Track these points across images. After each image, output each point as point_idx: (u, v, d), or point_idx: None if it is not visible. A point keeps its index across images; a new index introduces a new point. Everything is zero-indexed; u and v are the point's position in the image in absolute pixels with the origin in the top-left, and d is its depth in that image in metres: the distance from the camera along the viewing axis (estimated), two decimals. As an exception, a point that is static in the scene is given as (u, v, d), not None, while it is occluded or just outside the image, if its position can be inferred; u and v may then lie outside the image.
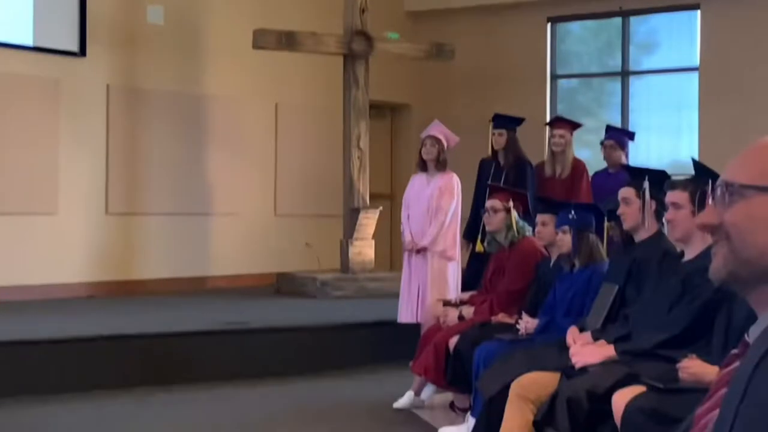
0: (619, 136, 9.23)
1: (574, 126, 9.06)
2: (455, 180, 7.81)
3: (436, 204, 7.73)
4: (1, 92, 9.81)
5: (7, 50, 9.91)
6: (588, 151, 9.52)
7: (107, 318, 8.64)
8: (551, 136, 8.95)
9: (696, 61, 12.25)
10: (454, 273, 7.83)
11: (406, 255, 7.94)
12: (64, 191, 10.35)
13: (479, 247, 7.16)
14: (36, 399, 6.89)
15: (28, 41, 10.12)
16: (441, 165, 7.79)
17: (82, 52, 10.50)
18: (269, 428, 6.38)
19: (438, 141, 7.77)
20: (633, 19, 12.78)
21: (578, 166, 8.81)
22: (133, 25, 10.97)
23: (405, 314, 7.88)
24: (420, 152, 7.91)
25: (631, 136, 9.88)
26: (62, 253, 10.31)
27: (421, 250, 7.77)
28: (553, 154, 8.84)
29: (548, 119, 12.69)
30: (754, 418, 1.74)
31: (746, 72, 11.67)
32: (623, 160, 9.02)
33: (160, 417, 6.61)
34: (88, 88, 10.59)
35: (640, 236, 5.21)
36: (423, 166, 7.90)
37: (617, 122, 12.09)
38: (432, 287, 7.67)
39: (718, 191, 1.91)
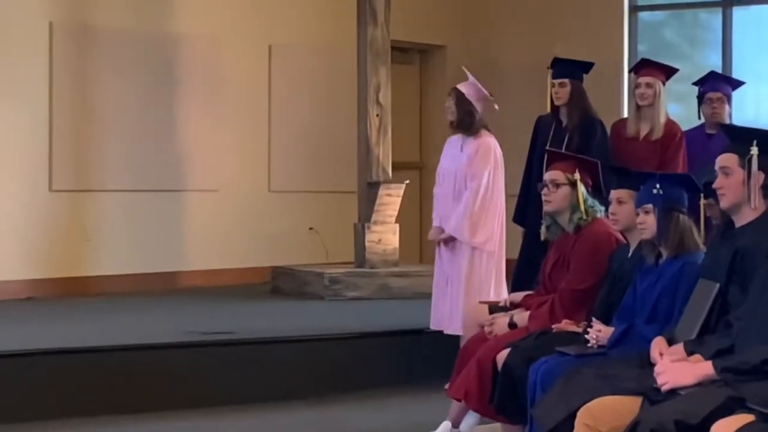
0: (725, 87, 9.17)
1: (668, 72, 8.99)
2: (491, 143, 7.83)
3: (464, 176, 7.76)
4: None
5: None
6: (676, 106, 9.47)
7: (50, 326, 8.70)
8: (636, 85, 8.92)
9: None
10: (492, 267, 7.85)
11: (437, 245, 7.97)
12: (-4, 163, 10.44)
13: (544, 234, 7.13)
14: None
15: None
16: (464, 128, 7.81)
17: (16, -20, 10.56)
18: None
19: (460, 96, 7.80)
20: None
21: (674, 129, 8.75)
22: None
23: (438, 320, 7.91)
24: (450, 111, 7.94)
25: (737, 85, 9.82)
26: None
27: (450, 240, 7.79)
28: (638, 108, 8.80)
29: (626, 64, 12.72)
30: None
31: None
32: (726, 118, 8.99)
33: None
34: (25, 26, 10.64)
35: (744, 218, 5.17)
36: (455, 125, 7.94)
37: (717, 67, 12.07)
38: (466, 287, 7.68)
39: None
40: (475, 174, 7.71)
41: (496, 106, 8.09)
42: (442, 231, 7.81)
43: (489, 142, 7.79)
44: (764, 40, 12.67)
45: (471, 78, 7.90)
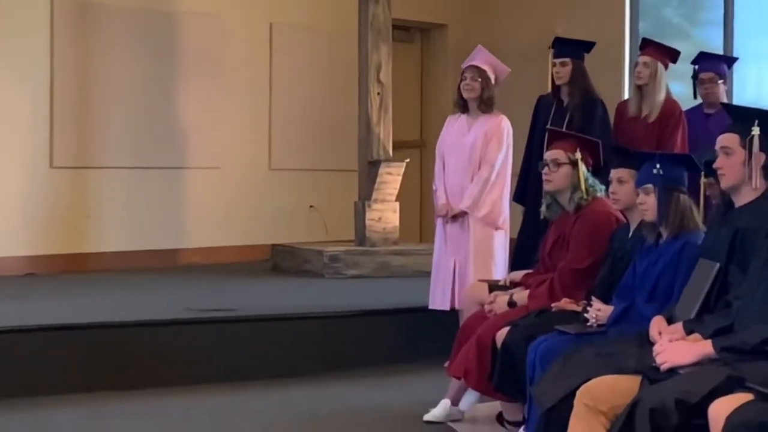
0: (718, 66, 9.19)
1: (669, 54, 8.98)
2: (505, 124, 7.82)
3: (479, 155, 7.74)
4: None
5: None
6: (677, 84, 9.46)
7: (50, 302, 8.70)
8: (636, 64, 8.92)
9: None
10: (502, 245, 7.86)
11: (440, 222, 7.99)
12: (-4, 139, 10.44)
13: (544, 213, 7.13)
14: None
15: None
16: (486, 105, 7.80)
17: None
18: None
19: (482, 73, 7.77)
20: None
21: (673, 107, 8.75)
22: None
23: (438, 299, 7.92)
24: (459, 87, 7.91)
25: (731, 62, 9.84)
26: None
27: (459, 216, 7.80)
28: (638, 88, 8.81)
29: (627, 43, 12.71)
30: None
31: None
32: (724, 97, 8.99)
33: (121, 429, 6.65)
34: (26, 3, 10.64)
35: (744, 198, 5.17)
36: (463, 107, 7.90)
37: (718, 47, 12.06)
38: (474, 264, 7.71)
39: None
40: (489, 156, 7.71)
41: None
42: (450, 206, 7.80)
43: (503, 123, 7.79)
44: (766, 20, 12.65)
45: (484, 53, 7.89)
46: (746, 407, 4.19)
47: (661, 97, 8.72)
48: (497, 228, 7.79)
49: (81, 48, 10.97)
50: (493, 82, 7.80)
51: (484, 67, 7.78)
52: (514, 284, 6.90)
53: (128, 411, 7.05)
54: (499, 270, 7.67)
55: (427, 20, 13.62)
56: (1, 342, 7.38)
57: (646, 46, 9.07)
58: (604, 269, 6.26)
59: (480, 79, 7.75)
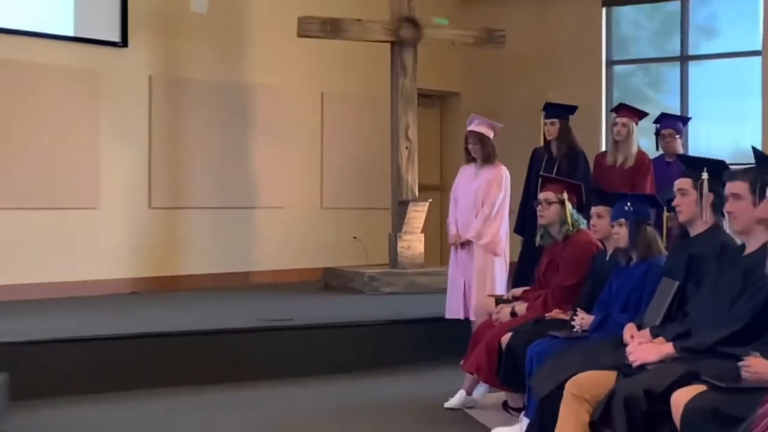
0: (675, 124, 9.16)
1: (639, 114, 8.95)
2: (504, 172, 7.77)
3: (483, 197, 7.71)
4: (40, 84, 9.92)
5: (46, 40, 10.03)
6: (644, 140, 9.43)
7: (150, 315, 8.72)
8: (613, 123, 8.90)
9: (759, 44, 12.13)
10: (500, 268, 7.79)
11: (452, 249, 7.94)
12: (106, 185, 10.45)
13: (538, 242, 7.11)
14: (74, 399, 6.93)
15: (69, 31, 10.22)
16: (488, 158, 7.76)
17: (124, 42, 10.59)
18: (314, 427, 6.41)
19: (480, 136, 7.73)
20: (692, 2, 12.69)
21: (643, 158, 8.73)
22: (175, 14, 11.05)
23: (452, 310, 7.88)
24: (465, 146, 7.91)
25: (686, 121, 9.81)
26: (104, 249, 10.42)
27: (467, 244, 7.77)
28: (615, 142, 8.80)
29: (603, 107, 12.69)
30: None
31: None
32: (680, 149, 8.97)
33: (201, 418, 6.64)
34: (130, 79, 10.68)
35: (697, 229, 5.16)
36: (471, 159, 7.87)
37: (676, 109, 12.04)
38: (478, 283, 7.66)
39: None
40: (490, 197, 7.67)
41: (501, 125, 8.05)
42: (460, 236, 7.78)
43: (502, 172, 7.73)
44: (713, 88, 12.61)
45: (480, 120, 7.85)
46: (701, 396, 4.17)
47: (635, 149, 8.72)
48: (496, 254, 7.73)
49: (173, 113, 11.01)
50: (491, 137, 7.76)
51: (480, 129, 7.73)
52: (515, 298, 6.87)
53: (211, 400, 7.07)
54: (499, 288, 7.62)
55: (445, 89, 13.61)
56: (112, 346, 7.43)
57: (622, 109, 9.04)
58: (586, 286, 6.23)
59: (479, 142, 7.73)
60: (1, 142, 9.63)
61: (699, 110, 12.22)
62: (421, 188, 11.04)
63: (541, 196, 6.67)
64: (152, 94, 10.87)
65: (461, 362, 6.77)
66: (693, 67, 12.71)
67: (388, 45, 10.78)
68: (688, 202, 5.16)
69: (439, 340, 8.21)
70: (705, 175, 5.10)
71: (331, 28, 10.47)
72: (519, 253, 8.71)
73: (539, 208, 6.67)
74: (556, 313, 6.27)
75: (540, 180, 7.23)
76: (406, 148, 10.76)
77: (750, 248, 4.55)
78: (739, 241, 4.68)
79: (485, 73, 13.43)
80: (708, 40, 12.78)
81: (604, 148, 9.73)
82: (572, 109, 8.91)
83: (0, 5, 9.73)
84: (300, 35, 10.41)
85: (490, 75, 13.39)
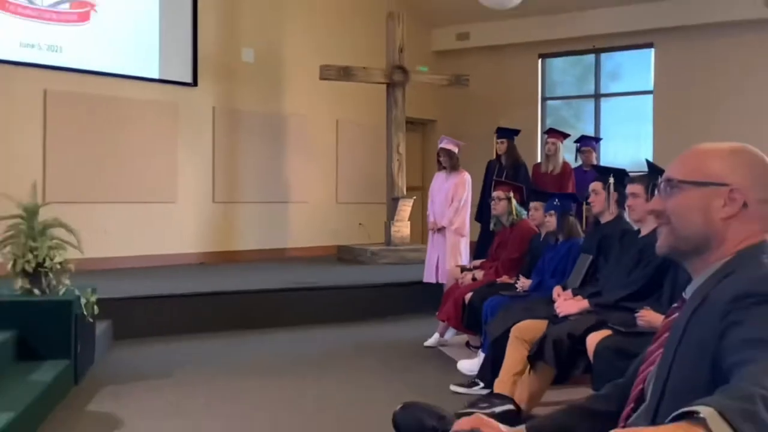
0: (590, 143, 9.19)
1: (564, 136, 9.03)
2: (467, 177, 7.77)
3: (452, 195, 7.71)
4: (135, 113, 9.91)
5: (140, 82, 10.00)
6: (568, 154, 9.45)
7: (213, 279, 8.70)
8: (546, 142, 8.93)
9: (651, 86, 12.16)
10: (465, 246, 7.80)
11: (430, 233, 7.94)
12: (182, 186, 10.43)
13: (492, 227, 7.10)
14: (157, 338, 7.00)
15: (155, 74, 10.20)
16: (454, 167, 7.76)
17: (195, 82, 10.57)
18: (332, 358, 6.41)
19: (448, 152, 7.73)
20: (603, 55, 12.70)
21: (567, 167, 8.77)
22: (232, 63, 11.01)
23: (428, 276, 7.89)
24: (438, 158, 7.89)
25: (598, 140, 9.85)
26: (181, 231, 10.41)
27: (441, 229, 7.77)
28: (547, 156, 8.83)
29: (539, 130, 12.69)
30: (688, 354, 1.73)
31: (688, 94, 11.66)
32: (594, 161, 8.97)
33: (250, 351, 6.66)
34: (199, 109, 10.65)
35: (605, 219, 5.20)
36: (443, 167, 7.87)
37: (591, 132, 12.09)
38: (449, 257, 7.66)
39: (662, 185, 1.89)
40: (458, 195, 7.66)
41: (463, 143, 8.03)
42: (436, 223, 7.78)
43: (466, 177, 7.72)
44: (618, 117, 12.63)
45: (448, 139, 7.85)
46: (608, 338, 4.20)
47: (561, 161, 8.73)
48: (462, 236, 7.73)
49: (229, 134, 10.98)
50: (456, 152, 7.75)
51: (448, 147, 7.71)
52: (475, 267, 6.87)
53: (257, 339, 7.09)
54: (464, 260, 7.62)
55: (425, 118, 13.57)
56: (185, 301, 7.43)
57: (552, 132, 9.08)
58: (526, 259, 6.25)
59: (447, 156, 7.72)
60: (109, 156, 9.60)
61: (608, 133, 12.25)
62: (408, 189, 11.03)
63: (494, 194, 6.68)
64: (215, 120, 10.83)
65: (436, 313, 6.79)
66: (603, 103, 12.73)
67: (385, 86, 10.75)
68: (599, 199, 5.19)
69: (420, 298, 8.21)
70: (611, 180, 5.13)
71: (344, 73, 10.45)
72: (478, 235, 8.72)
73: (493, 203, 6.68)
74: (504, 279, 6.29)
75: (493, 183, 7.25)
76: (397, 159, 10.75)
77: (644, 232, 4.57)
78: (636, 228, 4.70)
79: (454, 106, 13.42)
80: (614, 83, 12.77)
81: (539, 160, 9.70)
82: (516, 132, 8.92)
83: (107, 55, 9.69)
84: (321, 78, 10.39)
85: (457, 107, 13.38)
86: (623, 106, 12.60)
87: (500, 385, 4.75)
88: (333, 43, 11.88)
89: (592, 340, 4.24)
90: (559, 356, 4.40)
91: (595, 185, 5.21)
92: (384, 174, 10.99)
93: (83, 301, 5.41)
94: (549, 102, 13.27)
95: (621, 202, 5.00)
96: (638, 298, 4.38)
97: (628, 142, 12.46)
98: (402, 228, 10.68)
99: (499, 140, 8.74)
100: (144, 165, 9.96)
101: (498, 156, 8.78)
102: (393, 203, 10.67)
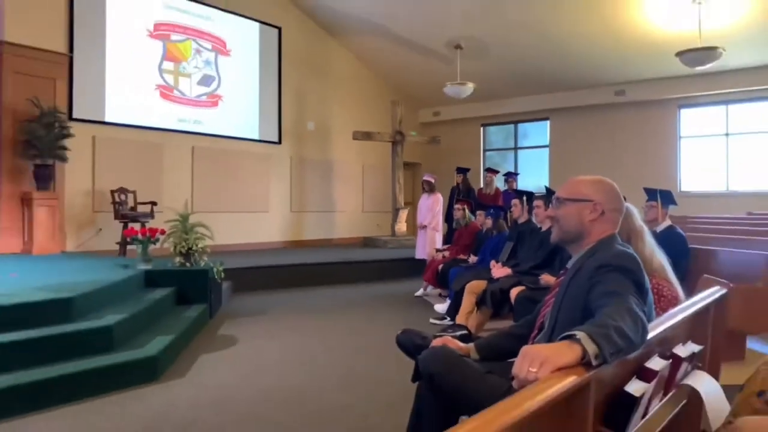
0: (513, 177, 9.12)
1: (496, 172, 8.97)
2: (440, 197, 7.72)
3: (431, 207, 7.67)
4: (246, 161, 9.88)
5: (248, 141, 9.99)
6: (500, 182, 9.39)
7: (291, 256, 8.65)
8: (485, 176, 8.87)
9: (547, 142, 12.06)
10: (439, 238, 7.74)
11: (419, 230, 7.89)
12: (272, 201, 10.35)
13: (455, 227, 7.04)
14: (260, 292, 6.95)
15: (257, 136, 10.19)
16: (432, 191, 7.73)
17: (279, 141, 10.52)
18: (357, 304, 6.35)
19: (429, 182, 7.71)
20: (520, 125, 12.60)
21: (498, 190, 8.72)
22: (301, 129, 10.94)
23: (418, 254, 7.84)
24: (422, 185, 7.87)
25: (517, 174, 9.78)
26: (271, 228, 10.33)
27: (424, 227, 7.74)
28: (486, 184, 8.78)
29: (482, 170, 12.60)
30: (569, 302, 1.74)
31: (570, 148, 11.54)
32: (515, 187, 8.92)
33: (312, 299, 6.62)
34: (282, 159, 10.59)
35: (521, 220, 5.17)
36: (425, 190, 7.84)
37: (513, 169, 11.98)
38: (428, 244, 7.62)
39: (554, 201, 1.90)
40: (434, 208, 7.62)
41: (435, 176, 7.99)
42: (421, 224, 7.75)
43: (439, 197, 7.68)
44: (530, 162, 12.52)
45: (428, 174, 7.83)
46: (523, 291, 4.18)
47: (494, 187, 8.68)
48: (437, 231, 7.68)
49: (300, 173, 10.85)
50: (433, 182, 7.70)
51: (429, 179, 7.68)
52: (445, 250, 6.84)
53: (316, 293, 7.04)
54: (438, 245, 7.57)
55: (414, 161, 13.45)
56: (275, 270, 7.35)
57: (490, 170, 9.02)
58: (474, 245, 6.23)
59: (428, 184, 7.67)
60: (230, 182, 9.53)
61: (522, 170, 12.15)
62: (405, 203, 10.97)
63: (456, 207, 6.67)
64: (292, 165, 10.75)
65: (423, 276, 6.76)
66: (520, 152, 12.60)
67: (390, 143, 10.68)
68: (518, 209, 5.17)
69: (413, 267, 8.19)
70: (525, 198, 5.10)
71: (366, 135, 10.42)
72: (446, 231, 8.69)
73: (455, 212, 6.67)
74: (462, 256, 6.26)
75: (455, 200, 7.22)
76: (398, 186, 10.70)
77: (544, 229, 4.55)
78: (539, 226, 4.69)
79: (431, 155, 13.35)
80: (525, 140, 12.68)
81: (482, 186, 9.66)
82: (468, 170, 8.89)
83: (230, 126, 9.67)
84: (353, 139, 10.35)
85: (433, 156, 13.32)
86: (531, 155, 12.52)
87: (459, 319, 4.74)
88: (360, 117, 11.84)
89: (514, 292, 4.23)
90: (494, 302, 4.40)
91: (515, 201, 5.21)
92: (390, 194, 10.95)
93: (215, 269, 5.45)
94: (487, 152, 13.18)
95: (530, 211, 4.98)
96: (541, 267, 4.38)
97: (534, 176, 12.40)
98: (401, 226, 10.63)
99: (458, 175, 8.73)
100: (250, 190, 9.94)
101: (457, 184, 8.77)
102: (396, 211, 10.63)
